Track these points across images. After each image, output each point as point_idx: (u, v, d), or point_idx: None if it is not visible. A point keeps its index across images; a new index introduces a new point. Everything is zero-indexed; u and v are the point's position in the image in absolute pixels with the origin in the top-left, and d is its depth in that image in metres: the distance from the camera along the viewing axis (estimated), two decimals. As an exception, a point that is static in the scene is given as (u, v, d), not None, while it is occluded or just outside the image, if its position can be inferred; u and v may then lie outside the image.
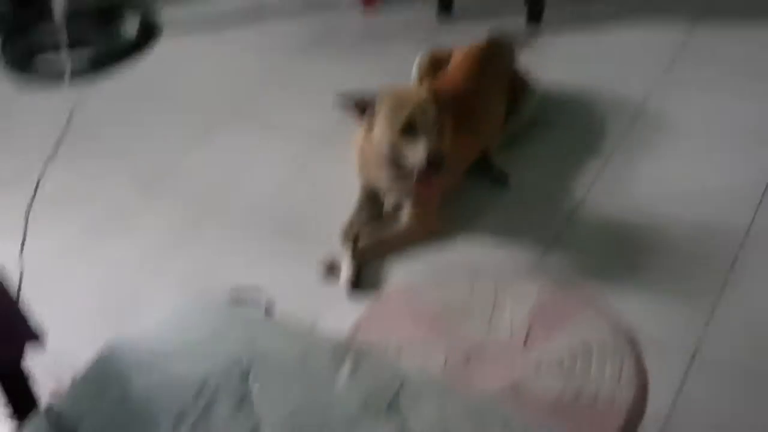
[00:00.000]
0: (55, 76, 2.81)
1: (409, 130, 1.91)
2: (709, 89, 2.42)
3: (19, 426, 1.24)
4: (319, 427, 1.06)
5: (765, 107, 2.33)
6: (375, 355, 1.17)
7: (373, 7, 2.96)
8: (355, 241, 2.07)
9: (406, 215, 2.11)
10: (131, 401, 1.10)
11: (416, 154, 1.91)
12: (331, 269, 2.03)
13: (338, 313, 1.65)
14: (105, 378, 1.15)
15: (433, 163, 1.89)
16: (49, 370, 1.52)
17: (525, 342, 1.76)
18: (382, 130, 1.96)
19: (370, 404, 1.07)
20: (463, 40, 2.42)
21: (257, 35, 2.99)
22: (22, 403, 1.47)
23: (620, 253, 1.99)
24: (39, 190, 2.31)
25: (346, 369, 1.11)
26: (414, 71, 2.38)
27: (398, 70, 2.43)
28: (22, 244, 2.07)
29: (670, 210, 2.06)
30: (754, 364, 1.69)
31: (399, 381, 1.10)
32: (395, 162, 1.98)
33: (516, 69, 2.39)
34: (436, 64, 2.37)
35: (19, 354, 1.43)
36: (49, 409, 1.09)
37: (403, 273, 2.02)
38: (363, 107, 1.98)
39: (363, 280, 2.00)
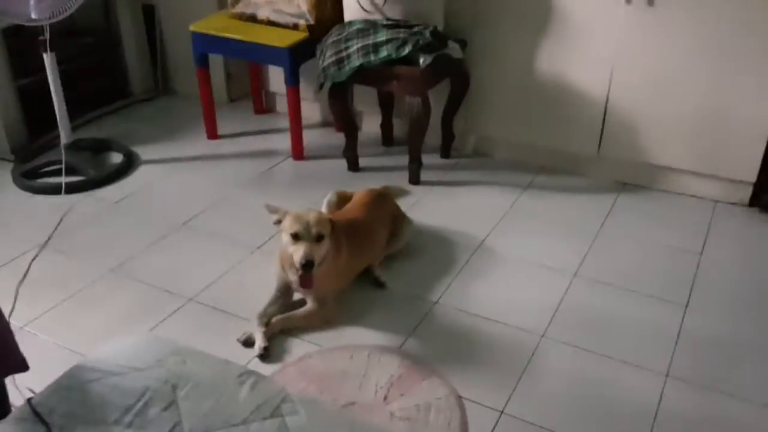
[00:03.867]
0: (54, 190, 2.86)
1: (296, 238, 2.04)
2: (526, 235, 2.62)
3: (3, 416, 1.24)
4: (224, 423, 1.14)
5: (557, 248, 2.52)
6: (268, 380, 1.29)
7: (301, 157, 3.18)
8: (267, 324, 2.12)
9: (309, 304, 2.19)
10: (90, 399, 1.16)
11: (296, 255, 2.03)
12: (248, 342, 2.09)
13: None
14: (71, 384, 1.20)
15: (305, 264, 2.01)
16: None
17: (385, 398, 1.92)
18: (284, 237, 2.09)
19: (261, 409, 1.16)
20: (363, 186, 2.60)
21: (213, 170, 3.10)
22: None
23: (457, 342, 2.10)
24: (29, 272, 2.37)
25: (247, 386, 1.20)
26: (324, 204, 2.50)
27: (315, 203, 2.53)
28: (11, 311, 2.11)
29: (493, 315, 2.19)
30: (542, 422, 1.82)
31: (282, 396, 1.19)
32: (290, 261, 2.09)
33: (397, 209, 2.54)
34: (341, 201, 2.50)
35: (5, 377, 1.44)
36: (30, 401, 1.16)
37: (301, 350, 2.06)
38: (278, 218, 2.11)
39: (271, 353, 2.04)
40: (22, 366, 1.43)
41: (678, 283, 2.37)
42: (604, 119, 2.88)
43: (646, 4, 2.62)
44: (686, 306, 2.27)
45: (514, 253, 2.53)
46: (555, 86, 2.91)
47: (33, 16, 2.62)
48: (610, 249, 2.57)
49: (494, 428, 1.82)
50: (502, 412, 1.86)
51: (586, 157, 3.02)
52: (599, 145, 2.94)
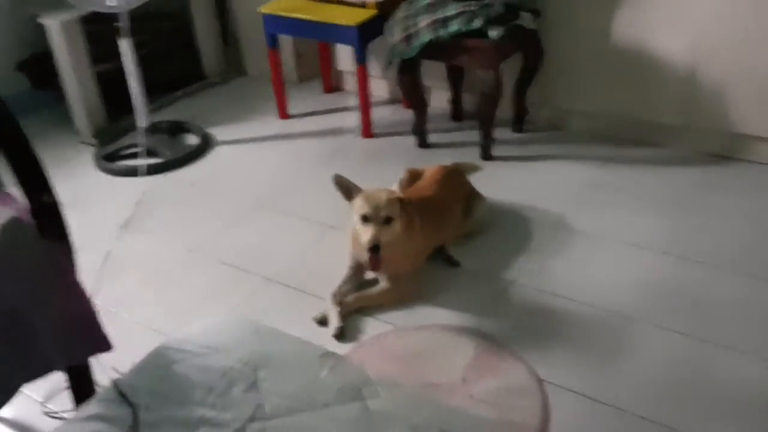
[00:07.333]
0: (133, 172, 2.93)
1: (365, 220, 2.02)
2: (607, 210, 2.49)
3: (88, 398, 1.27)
4: (306, 405, 1.12)
5: (643, 223, 2.39)
6: (347, 362, 1.26)
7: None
8: (341, 303, 2.10)
9: (382, 283, 2.16)
10: (174, 380, 1.16)
11: (364, 237, 2.02)
12: (323, 321, 2.07)
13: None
14: (156, 364, 1.21)
15: (372, 247, 1.99)
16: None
17: (464, 380, 1.85)
18: (354, 216, 2.06)
19: (343, 391, 1.14)
20: (433, 163, 2.53)
21: (285, 149, 3.10)
22: (83, 389, 1.49)
23: (536, 323, 2.02)
24: (111, 252, 2.43)
25: (327, 368, 1.18)
26: (396, 184, 2.42)
27: (387, 180, 2.46)
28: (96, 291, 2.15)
29: (574, 295, 2.10)
30: (635, 408, 1.72)
31: (362, 379, 1.18)
32: (359, 242, 2.06)
33: (469, 186, 2.47)
34: (412, 177, 2.45)
35: (90, 356, 1.49)
36: (116, 382, 1.18)
37: (375, 329, 2.04)
38: (348, 191, 2.08)
39: (346, 332, 2.02)
40: (105, 346, 1.45)
41: (782, 263, 2.19)
42: (691, 85, 2.68)
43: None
44: (792, 287, 2.09)
45: (596, 230, 2.40)
46: (635, 51, 2.72)
47: (109, 3, 2.66)
48: (703, 225, 2.39)
49: (581, 413, 1.73)
50: (588, 397, 1.77)
51: (671, 127, 2.82)
52: (686, 113, 2.74)
